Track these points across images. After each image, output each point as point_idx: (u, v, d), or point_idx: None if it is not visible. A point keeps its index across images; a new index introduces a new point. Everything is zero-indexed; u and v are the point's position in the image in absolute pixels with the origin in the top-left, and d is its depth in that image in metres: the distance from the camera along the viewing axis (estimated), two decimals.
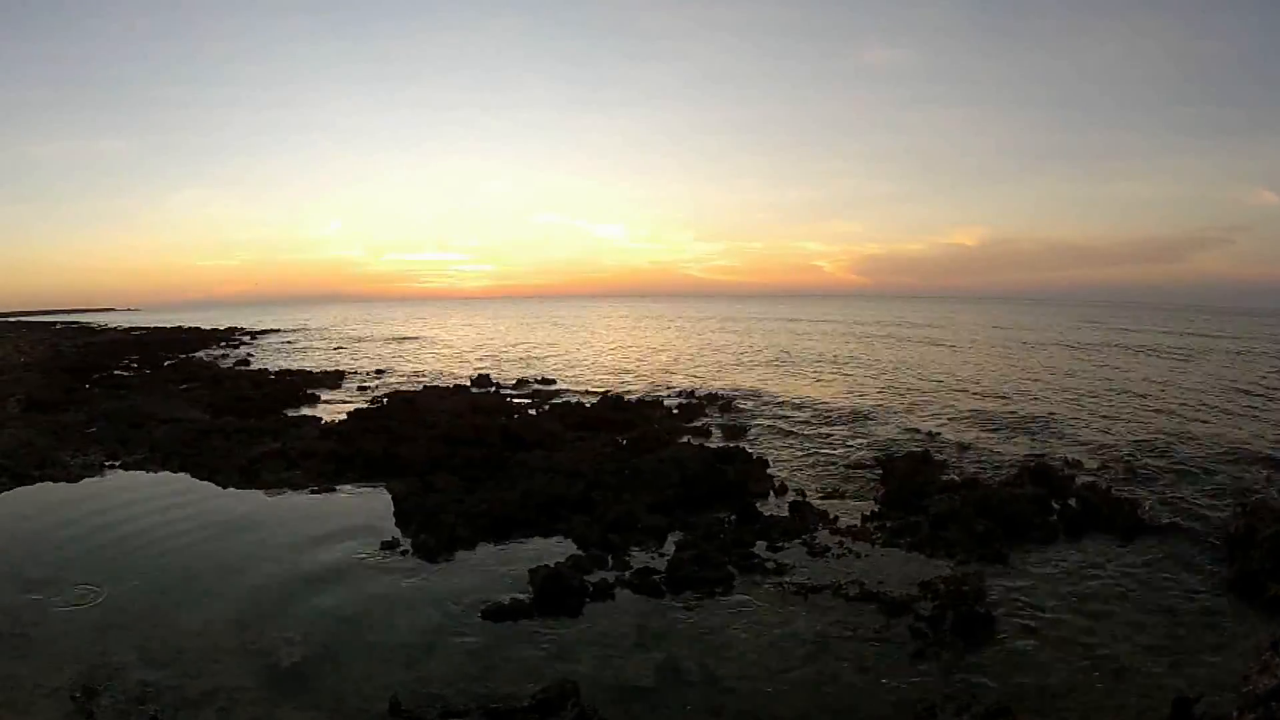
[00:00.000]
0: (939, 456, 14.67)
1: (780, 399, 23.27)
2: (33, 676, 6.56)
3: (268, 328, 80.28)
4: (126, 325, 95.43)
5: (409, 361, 39.36)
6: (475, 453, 14.07)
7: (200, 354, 44.84)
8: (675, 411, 20.80)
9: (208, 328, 78.43)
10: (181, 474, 13.92)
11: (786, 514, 11.19)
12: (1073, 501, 11.42)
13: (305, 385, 27.36)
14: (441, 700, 6.16)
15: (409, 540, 10.11)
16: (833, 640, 7.35)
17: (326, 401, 24.28)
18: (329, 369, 33.93)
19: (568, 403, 21.62)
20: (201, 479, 13.56)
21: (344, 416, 18.90)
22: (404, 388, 26.87)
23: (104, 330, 80.00)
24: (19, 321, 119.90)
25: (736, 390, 25.11)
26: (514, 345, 49.73)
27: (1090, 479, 12.89)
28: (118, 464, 14.59)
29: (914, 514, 11.07)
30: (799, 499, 12.01)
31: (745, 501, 11.50)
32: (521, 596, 8.19)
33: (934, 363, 34.04)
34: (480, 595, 8.35)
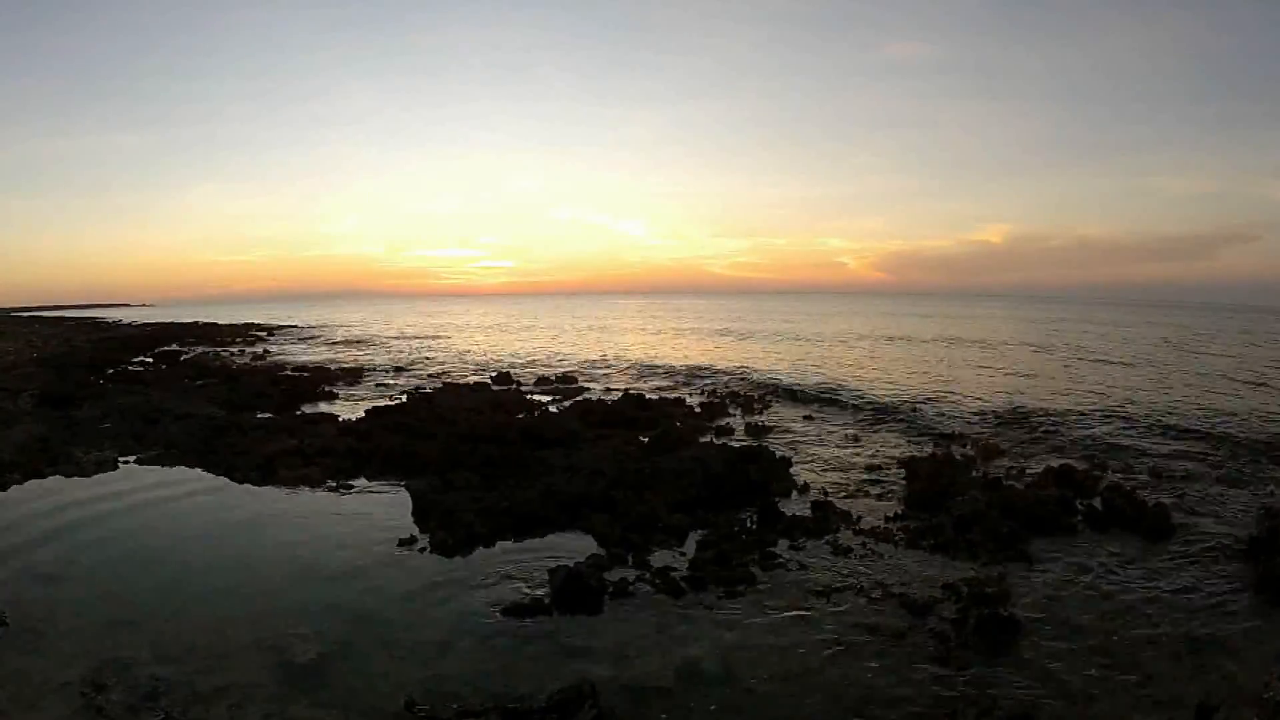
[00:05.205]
0: (963, 457, 14.51)
1: (803, 398, 23.21)
2: (43, 671, 6.50)
3: (286, 324, 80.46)
4: (141, 321, 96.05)
5: (428, 358, 39.34)
6: (495, 450, 13.99)
7: (217, 350, 44.90)
8: (697, 410, 20.72)
9: (225, 323, 78.75)
10: (197, 470, 13.88)
11: (809, 514, 11.06)
12: (1097, 503, 11.25)
13: (323, 382, 27.34)
14: (458, 699, 6.06)
15: (427, 537, 10.04)
16: (854, 642, 7.23)
17: (344, 399, 24.23)
18: (347, 366, 33.96)
19: (588, 400, 21.50)
20: (217, 475, 13.52)
21: (362, 414, 18.85)
22: (423, 385, 26.87)
23: (118, 326, 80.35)
24: (33, 316, 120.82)
25: (759, 388, 25.04)
26: (534, 342, 49.76)
27: (1115, 480, 12.76)
28: (132, 459, 14.54)
29: (937, 515, 10.92)
30: (822, 499, 11.89)
31: (768, 501, 11.37)
32: (540, 595, 8.12)
33: (958, 362, 33.84)
34: (498, 593, 8.28)
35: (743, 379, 28.39)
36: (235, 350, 45.31)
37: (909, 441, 16.59)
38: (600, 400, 21.14)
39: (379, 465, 13.93)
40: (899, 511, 11.37)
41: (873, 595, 8.24)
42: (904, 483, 12.75)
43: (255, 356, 40.23)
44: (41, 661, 6.70)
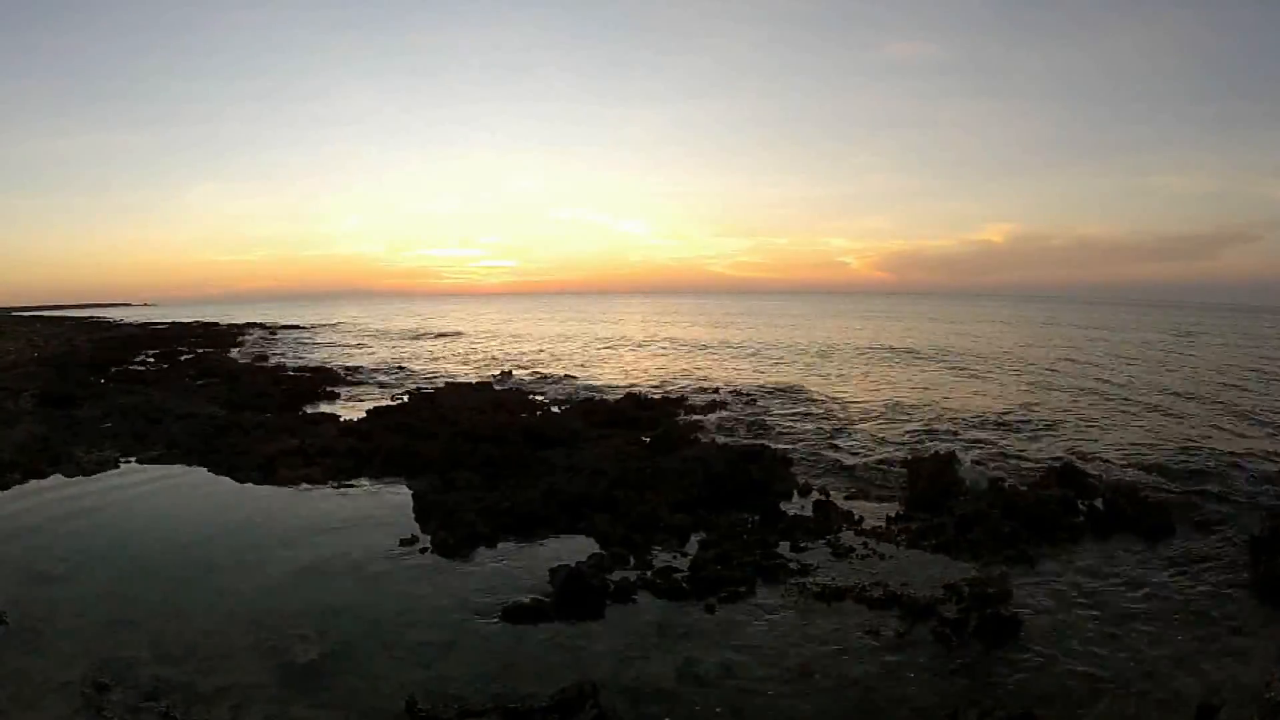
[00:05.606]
0: (965, 456, 14.47)
1: (805, 398, 23.17)
2: (43, 671, 6.50)
3: (288, 323, 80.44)
4: (143, 320, 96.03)
5: (430, 358, 39.40)
6: (496, 450, 13.97)
7: (218, 350, 44.84)
8: (699, 409, 20.70)
9: (226, 323, 78.73)
10: (198, 469, 13.88)
11: (810, 514, 11.05)
12: (1099, 503, 11.22)
13: (324, 382, 27.37)
14: (459, 700, 6.04)
15: (428, 537, 10.01)
16: (855, 643, 7.22)
17: (346, 398, 24.26)
18: (348, 365, 34.00)
19: (590, 400, 21.46)
20: (219, 474, 13.52)
21: (363, 414, 18.83)
22: (424, 385, 26.85)
23: (120, 325, 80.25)
24: (34, 316, 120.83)
25: (761, 388, 25.01)
26: (536, 342, 49.73)
27: (1116, 480, 12.71)
28: (133, 459, 14.54)
29: (939, 515, 10.91)
30: (823, 499, 11.88)
31: (769, 501, 11.38)
32: (542, 596, 8.08)
33: (962, 362, 33.82)
34: (500, 594, 8.25)
35: (745, 378, 28.40)
36: (237, 350, 45.29)
37: (911, 441, 16.55)
38: (602, 400, 21.13)
39: (380, 465, 13.91)
40: (900, 512, 11.35)
41: (874, 595, 8.21)
42: (906, 483, 12.72)
43: (257, 356, 40.21)
44: (42, 661, 6.69)
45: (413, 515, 11.07)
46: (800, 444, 16.34)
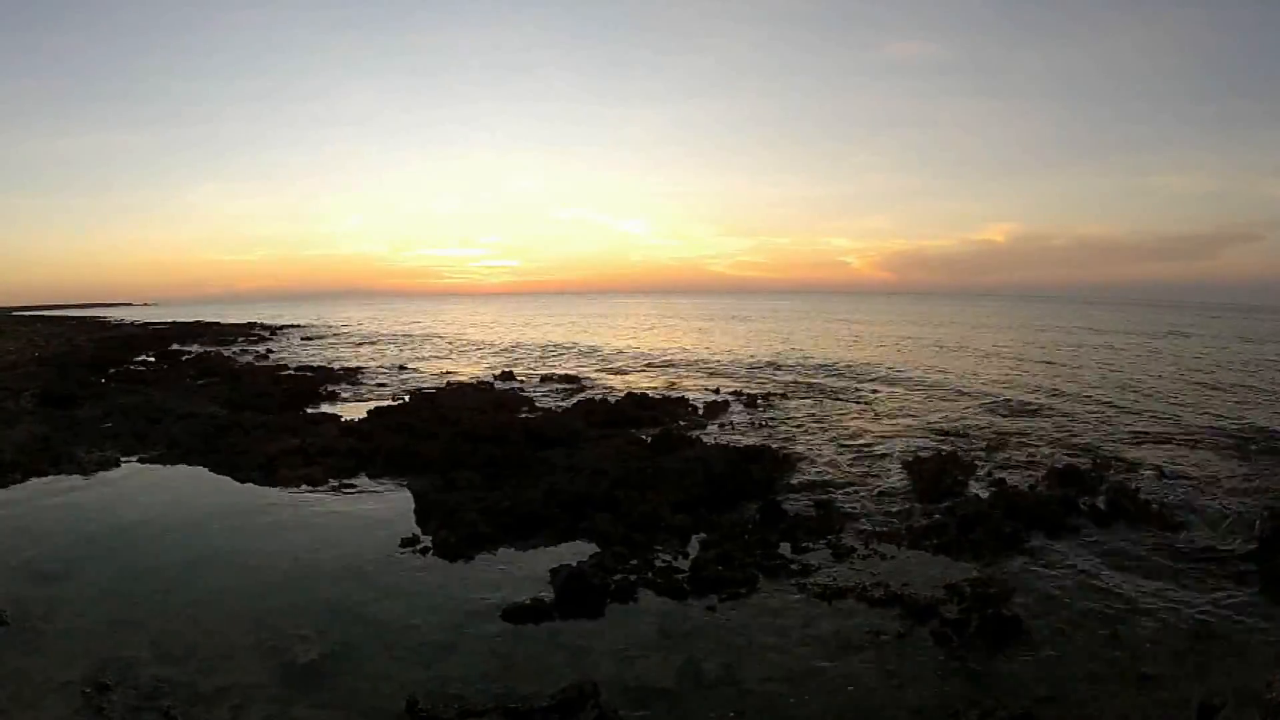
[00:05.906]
0: (966, 456, 14.46)
1: (806, 397, 23.14)
2: (43, 671, 6.49)
3: (288, 323, 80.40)
4: (144, 320, 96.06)
5: (430, 358, 39.36)
6: (497, 450, 13.96)
7: (219, 349, 44.86)
8: (700, 409, 20.67)
9: (227, 323, 78.72)
10: (199, 469, 13.88)
11: (812, 514, 11.02)
12: (1101, 502, 11.23)
13: (325, 382, 27.36)
14: (460, 700, 6.03)
15: (429, 538, 10.00)
16: (856, 643, 7.20)
17: (347, 398, 24.26)
18: (349, 365, 33.97)
19: (591, 399, 21.40)
20: (219, 474, 13.52)
21: (364, 414, 18.80)
22: (425, 384, 26.84)
23: (121, 325, 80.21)
24: (34, 316, 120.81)
25: (762, 388, 24.96)
26: (537, 341, 49.68)
27: (1119, 479, 12.71)
28: (134, 458, 14.54)
29: (941, 515, 10.89)
30: (824, 499, 11.84)
31: (770, 501, 11.35)
32: (543, 596, 8.07)
33: (961, 361, 33.82)
34: (501, 594, 8.24)
35: (746, 378, 28.40)
36: (238, 349, 45.32)
37: (913, 440, 16.52)
38: (603, 400, 21.07)
39: (381, 465, 13.91)
40: (902, 512, 11.35)
41: (875, 596, 8.20)
42: (907, 482, 12.72)
43: (258, 356, 40.21)
44: (42, 661, 6.68)
45: (413, 515, 11.05)
46: (801, 444, 16.31)
